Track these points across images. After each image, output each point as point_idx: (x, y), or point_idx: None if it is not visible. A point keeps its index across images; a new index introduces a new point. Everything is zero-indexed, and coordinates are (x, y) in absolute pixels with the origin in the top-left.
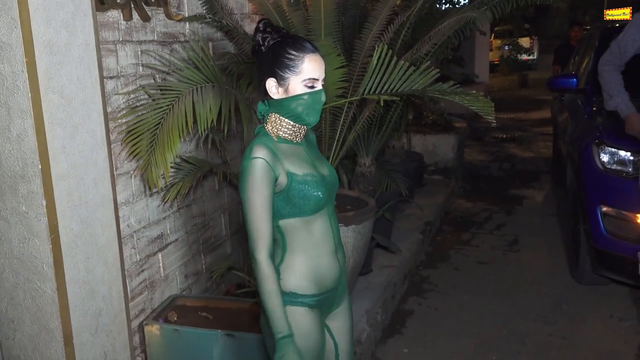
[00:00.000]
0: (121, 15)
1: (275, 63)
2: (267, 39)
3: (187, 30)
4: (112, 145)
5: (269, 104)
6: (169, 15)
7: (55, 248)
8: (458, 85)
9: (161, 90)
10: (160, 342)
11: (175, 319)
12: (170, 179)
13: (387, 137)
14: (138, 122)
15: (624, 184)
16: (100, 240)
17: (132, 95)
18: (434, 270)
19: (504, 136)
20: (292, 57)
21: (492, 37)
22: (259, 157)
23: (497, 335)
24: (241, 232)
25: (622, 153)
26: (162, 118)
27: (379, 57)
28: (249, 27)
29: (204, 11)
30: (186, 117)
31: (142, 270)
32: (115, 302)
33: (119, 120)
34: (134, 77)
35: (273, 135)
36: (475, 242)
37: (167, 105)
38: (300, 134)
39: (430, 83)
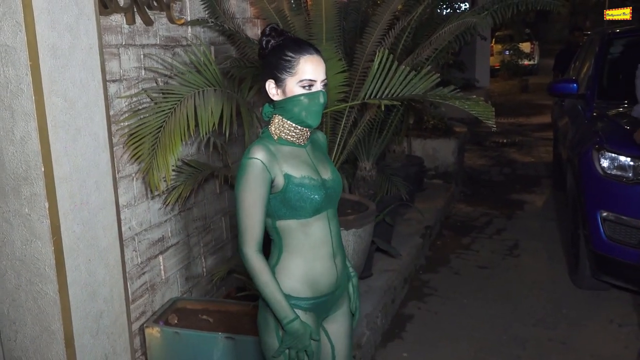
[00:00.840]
0: (124, 19)
1: (274, 65)
2: (270, 42)
3: (189, 34)
4: (115, 148)
5: (273, 106)
6: (171, 19)
7: (57, 250)
8: (458, 90)
9: (163, 93)
10: (161, 345)
11: (176, 321)
12: (172, 182)
13: (387, 142)
14: (140, 125)
15: (624, 189)
16: (102, 242)
17: (134, 99)
18: (434, 274)
19: (505, 141)
20: (288, 58)
21: (493, 42)
22: (255, 157)
23: (497, 339)
24: None
25: (622, 158)
26: (164, 121)
27: (380, 62)
28: (251, 32)
29: (206, 15)
30: (188, 121)
31: (143, 273)
32: (116, 304)
33: (122, 123)
34: (137, 81)
35: (275, 136)
36: (475, 247)
37: (169, 109)
38: (303, 136)
39: (430, 88)
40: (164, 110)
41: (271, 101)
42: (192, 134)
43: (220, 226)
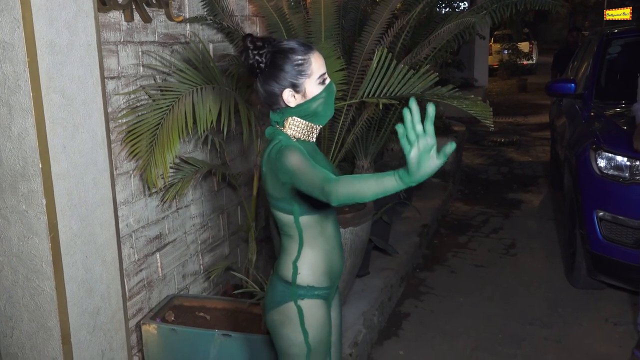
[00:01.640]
0: (122, 16)
1: (286, 74)
2: (264, 54)
3: (187, 32)
4: (112, 145)
5: (283, 112)
6: (170, 17)
7: (55, 246)
8: (457, 89)
9: (161, 90)
10: (158, 342)
11: (173, 318)
12: (170, 179)
13: (385, 140)
14: (138, 122)
15: (621, 189)
16: (99, 239)
17: (132, 96)
18: (431, 272)
19: (503, 140)
20: (301, 62)
21: (492, 41)
22: (294, 144)
23: (493, 338)
24: (239, 232)
25: (619, 158)
26: (162, 118)
27: (379, 61)
28: (250, 29)
29: (205, 13)
30: (186, 118)
31: (140, 270)
32: (113, 301)
33: (119, 121)
34: (135, 78)
35: (294, 138)
36: (472, 245)
37: (167, 106)
38: (314, 132)
39: (429, 87)
40: (162, 108)
41: (276, 109)
42: (190, 131)
43: (218, 224)
